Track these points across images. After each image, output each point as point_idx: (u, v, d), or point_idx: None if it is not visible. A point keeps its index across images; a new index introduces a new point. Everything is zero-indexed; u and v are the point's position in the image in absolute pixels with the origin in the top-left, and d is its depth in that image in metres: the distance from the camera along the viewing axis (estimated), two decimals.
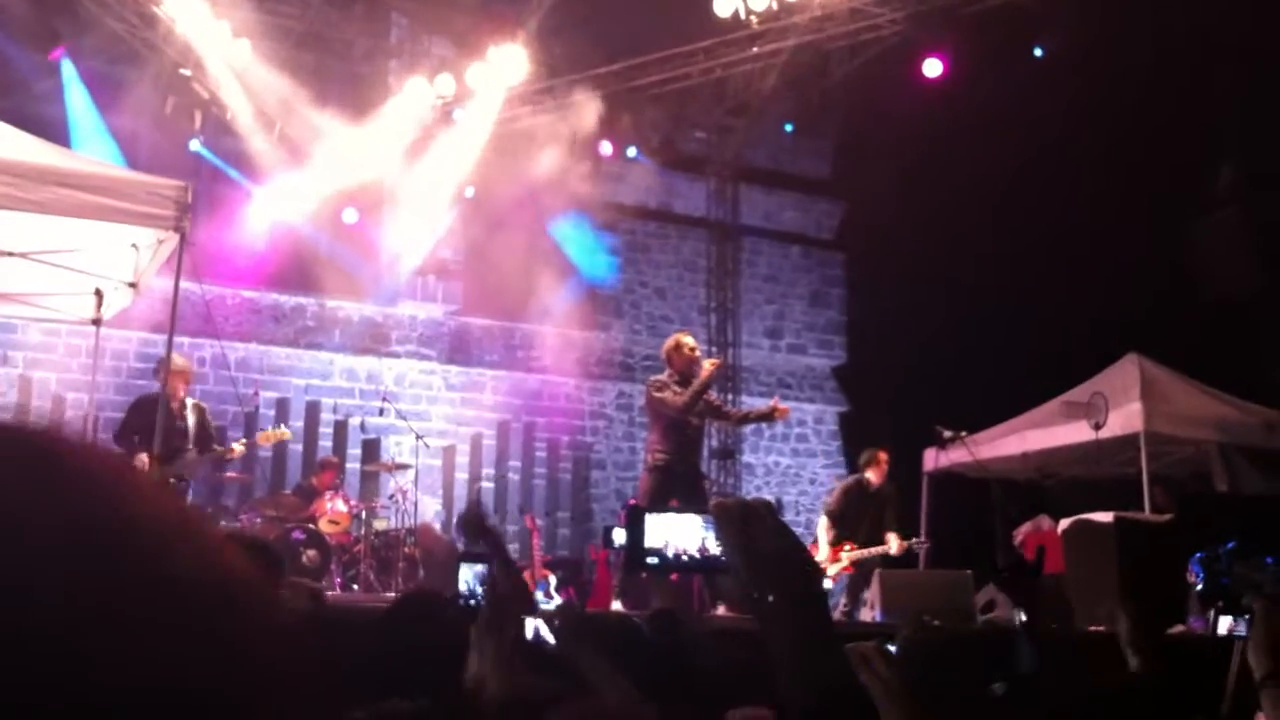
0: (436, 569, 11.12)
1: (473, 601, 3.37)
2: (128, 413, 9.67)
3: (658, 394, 9.28)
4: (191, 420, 9.73)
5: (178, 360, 9.68)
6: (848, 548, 10.28)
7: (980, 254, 14.08)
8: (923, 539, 10.68)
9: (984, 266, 14.09)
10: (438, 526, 13.63)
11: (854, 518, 10.41)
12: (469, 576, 3.33)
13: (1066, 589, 8.89)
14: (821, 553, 10.32)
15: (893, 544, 10.14)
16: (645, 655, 3.80)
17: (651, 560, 1.70)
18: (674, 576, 9.87)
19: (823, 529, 10.57)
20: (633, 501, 11.31)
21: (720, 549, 1.69)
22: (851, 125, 16.63)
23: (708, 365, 9.44)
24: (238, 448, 10.24)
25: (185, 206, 7.80)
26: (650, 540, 1.70)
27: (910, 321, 14.71)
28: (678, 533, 1.71)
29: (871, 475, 10.54)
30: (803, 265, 18.01)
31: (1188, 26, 12.69)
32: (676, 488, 8.85)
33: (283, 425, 11.77)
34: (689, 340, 9.68)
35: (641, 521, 1.70)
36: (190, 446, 9.64)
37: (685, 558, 1.71)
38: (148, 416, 8.63)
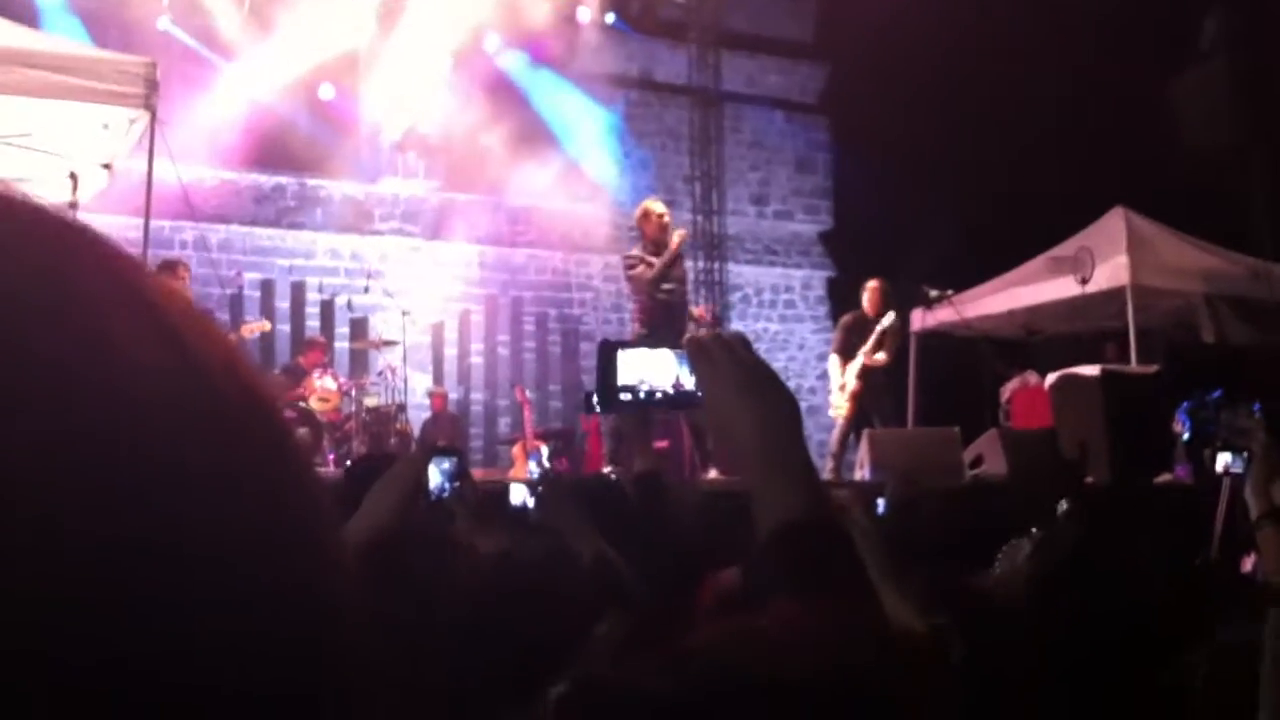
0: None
1: (442, 497, 3.35)
2: None
3: (629, 272, 9.30)
4: None
5: (184, 270, 9.74)
6: (850, 365, 10.37)
7: (964, 114, 13.95)
8: (892, 319, 10.62)
9: (968, 126, 13.98)
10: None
11: (854, 348, 10.47)
12: (437, 473, 3.29)
13: (1055, 442, 8.95)
14: (834, 384, 10.44)
15: (865, 347, 10.24)
16: (627, 517, 3.81)
17: (624, 397, 1.66)
18: (663, 443, 9.95)
19: (833, 367, 10.64)
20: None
21: (694, 384, 1.66)
22: None
23: (676, 236, 9.40)
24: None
25: (154, 84, 7.71)
26: (623, 377, 1.66)
27: (896, 184, 14.62)
28: (651, 369, 1.67)
29: (866, 304, 10.61)
30: (787, 131, 17.83)
31: None
32: None
33: (262, 318, 11.78)
34: (657, 207, 9.65)
35: (613, 357, 1.66)
36: None
37: (659, 394, 1.67)
38: None
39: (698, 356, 1.64)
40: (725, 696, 0.92)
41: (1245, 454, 4.59)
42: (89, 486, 0.45)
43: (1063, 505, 4.65)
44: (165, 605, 0.45)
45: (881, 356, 10.37)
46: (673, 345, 1.71)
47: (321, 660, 0.51)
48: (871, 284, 10.66)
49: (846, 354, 10.54)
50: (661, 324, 9.04)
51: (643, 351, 1.73)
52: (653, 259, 9.22)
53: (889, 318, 10.43)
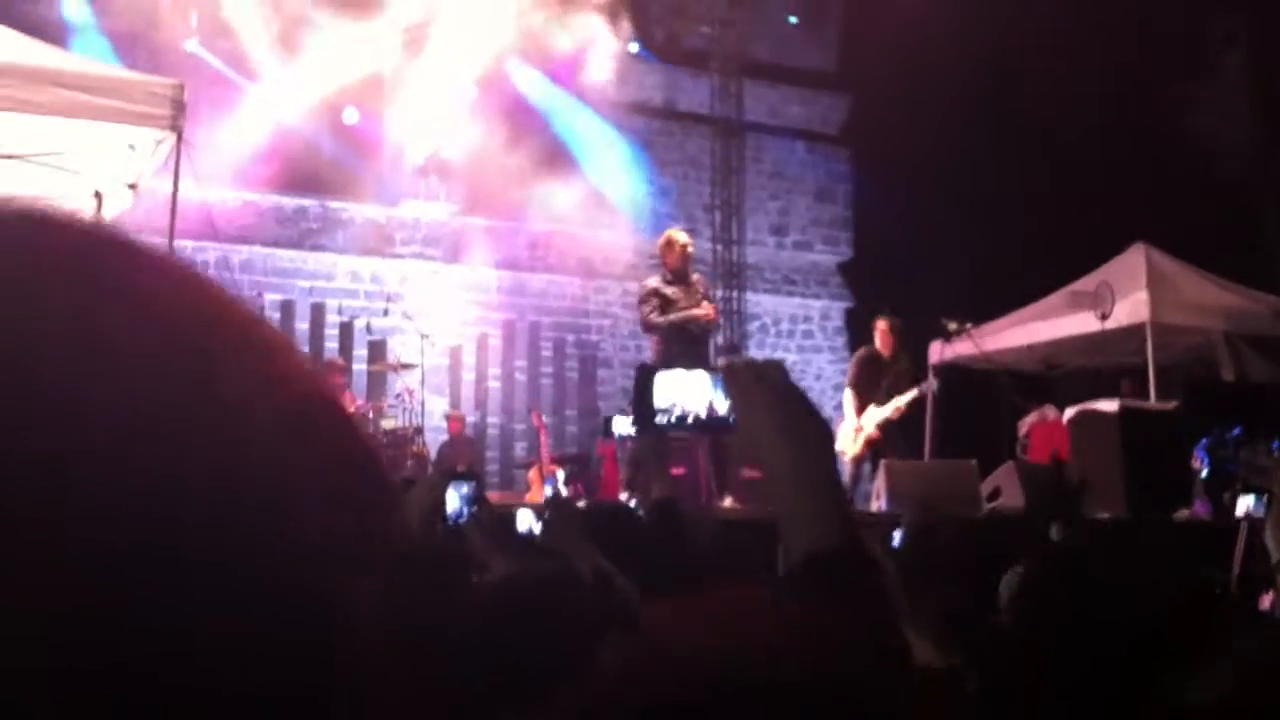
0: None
1: (459, 522, 3.35)
2: None
3: (641, 305, 9.31)
4: None
5: None
6: (870, 408, 10.36)
7: (986, 145, 13.96)
8: (931, 381, 10.69)
9: (990, 158, 13.98)
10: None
11: (869, 387, 10.45)
12: (456, 497, 3.30)
13: (1072, 477, 8.92)
14: (848, 423, 10.42)
15: (896, 401, 10.22)
16: (642, 545, 3.80)
17: (660, 419, 1.69)
18: (679, 470, 9.94)
19: (848, 401, 10.63)
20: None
21: (728, 409, 1.67)
22: (855, 16, 16.40)
23: (707, 308, 9.39)
24: None
25: (181, 105, 7.77)
26: (659, 400, 1.69)
27: (916, 215, 14.64)
28: (686, 392, 1.69)
29: (879, 344, 10.61)
30: (808, 161, 17.87)
31: None
32: None
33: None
34: (681, 236, 9.65)
35: (651, 380, 1.69)
36: None
37: (693, 417, 1.69)
38: None
39: (733, 382, 1.66)
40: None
41: (1265, 495, 4.60)
42: (93, 490, 0.46)
43: (1054, 530, 4.64)
44: (170, 609, 0.46)
45: (902, 405, 10.36)
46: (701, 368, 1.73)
47: (332, 666, 0.51)
48: (882, 324, 10.63)
49: (860, 390, 10.52)
50: (679, 354, 9.01)
51: (679, 374, 1.76)
52: (668, 290, 9.22)
53: (930, 384, 10.50)
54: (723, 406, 1.53)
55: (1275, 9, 13.00)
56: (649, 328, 9.31)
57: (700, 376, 1.38)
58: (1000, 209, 13.98)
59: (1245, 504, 4.38)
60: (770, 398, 1.60)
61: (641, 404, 1.43)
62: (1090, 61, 13.76)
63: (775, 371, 1.65)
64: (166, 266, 0.55)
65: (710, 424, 1.42)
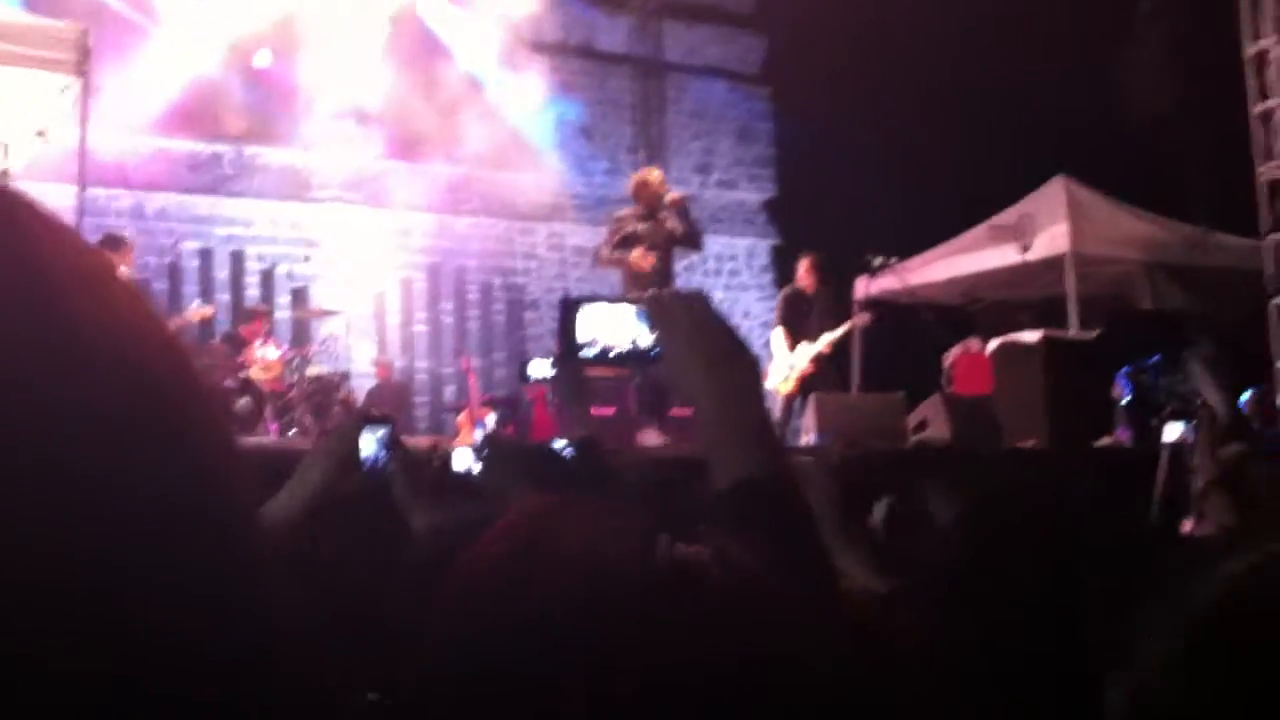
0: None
1: (377, 467, 3.31)
2: None
3: (612, 229, 9.42)
4: None
5: (126, 240, 9.61)
6: (802, 344, 10.42)
7: (906, 82, 13.97)
8: (864, 315, 10.78)
9: (911, 94, 14.00)
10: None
11: (798, 324, 10.51)
12: (372, 442, 3.24)
13: (995, 408, 9.04)
14: (779, 360, 10.46)
15: (828, 335, 10.31)
16: (569, 482, 3.80)
17: (586, 352, 1.65)
18: (608, 410, 9.93)
19: (778, 340, 10.66)
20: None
21: (653, 341, 1.65)
22: None
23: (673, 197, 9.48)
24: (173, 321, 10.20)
25: (86, 50, 7.62)
26: (582, 334, 1.66)
27: (839, 152, 14.64)
28: (610, 326, 1.66)
29: (801, 280, 10.66)
30: (729, 100, 17.81)
31: None
32: None
33: (205, 301, 11.73)
34: (657, 175, 9.77)
35: (574, 314, 1.65)
36: None
37: (616, 351, 1.66)
38: None
39: (658, 313, 1.63)
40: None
41: (1193, 422, 4.67)
42: None
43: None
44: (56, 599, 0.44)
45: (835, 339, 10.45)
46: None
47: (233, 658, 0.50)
48: (804, 261, 10.70)
49: (789, 327, 10.56)
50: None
51: (602, 307, 1.73)
52: (638, 226, 9.28)
53: (863, 317, 10.58)
54: (647, 340, 1.51)
55: None
56: (602, 259, 9.39)
57: (624, 310, 1.37)
58: (922, 145, 14.03)
59: (1173, 430, 4.44)
60: (695, 329, 1.57)
61: (564, 337, 1.41)
62: (1008, 3, 13.80)
63: (700, 302, 1.62)
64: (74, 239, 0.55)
65: (634, 357, 1.40)
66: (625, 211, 9.51)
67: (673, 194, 9.58)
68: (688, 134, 17.38)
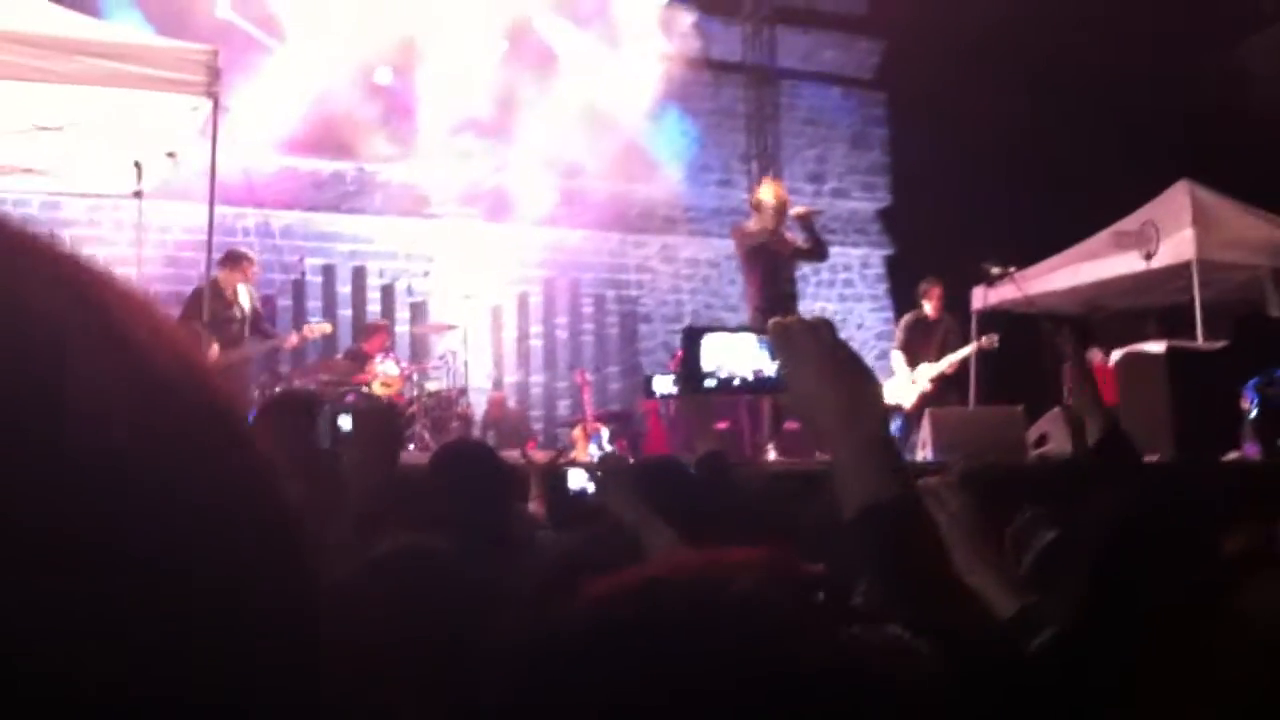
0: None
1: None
2: (187, 301, 9.63)
3: (743, 231, 9.43)
4: (246, 308, 9.88)
5: (248, 257, 9.87)
6: (923, 364, 10.41)
7: (1025, 85, 13.77)
8: (992, 336, 10.73)
9: (1029, 99, 13.80)
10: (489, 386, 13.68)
11: (919, 349, 10.48)
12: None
13: (1121, 420, 8.84)
14: (900, 378, 10.45)
15: (952, 356, 10.26)
16: (691, 499, 3.81)
17: (709, 382, 1.67)
18: (723, 424, 9.95)
19: (899, 362, 10.65)
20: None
21: (776, 369, 1.66)
22: None
23: (799, 210, 9.50)
24: (292, 338, 10.45)
25: (216, 71, 7.77)
26: (706, 363, 1.67)
27: (956, 159, 14.47)
28: (733, 354, 1.68)
29: (927, 306, 10.62)
30: (844, 107, 17.70)
31: None
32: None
33: (323, 319, 11.98)
34: (780, 187, 9.92)
35: (697, 342, 1.67)
36: (246, 334, 9.83)
37: (740, 380, 1.68)
38: (207, 303, 8.82)
39: (781, 341, 1.65)
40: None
41: None
42: (25, 488, 0.45)
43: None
44: (103, 609, 0.45)
45: (958, 360, 10.45)
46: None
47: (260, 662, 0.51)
48: (932, 288, 10.69)
49: (909, 351, 10.56)
50: (773, 305, 9.07)
51: (725, 336, 1.75)
52: (763, 240, 9.33)
53: (990, 339, 10.53)
54: (769, 368, 1.51)
55: None
56: (744, 244, 9.45)
57: (747, 338, 1.37)
58: (1039, 150, 13.81)
59: None
60: (819, 355, 1.59)
61: (687, 367, 1.42)
62: (1128, 2, 13.55)
63: (824, 328, 1.63)
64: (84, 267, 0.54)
65: (760, 385, 1.41)
66: (749, 225, 9.50)
67: (798, 208, 9.57)
68: (801, 142, 17.30)
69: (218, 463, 0.53)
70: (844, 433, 1.55)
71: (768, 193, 9.65)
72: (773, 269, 9.23)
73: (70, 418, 0.47)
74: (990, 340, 10.57)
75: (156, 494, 0.49)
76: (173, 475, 0.50)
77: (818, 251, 9.72)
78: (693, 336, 1.71)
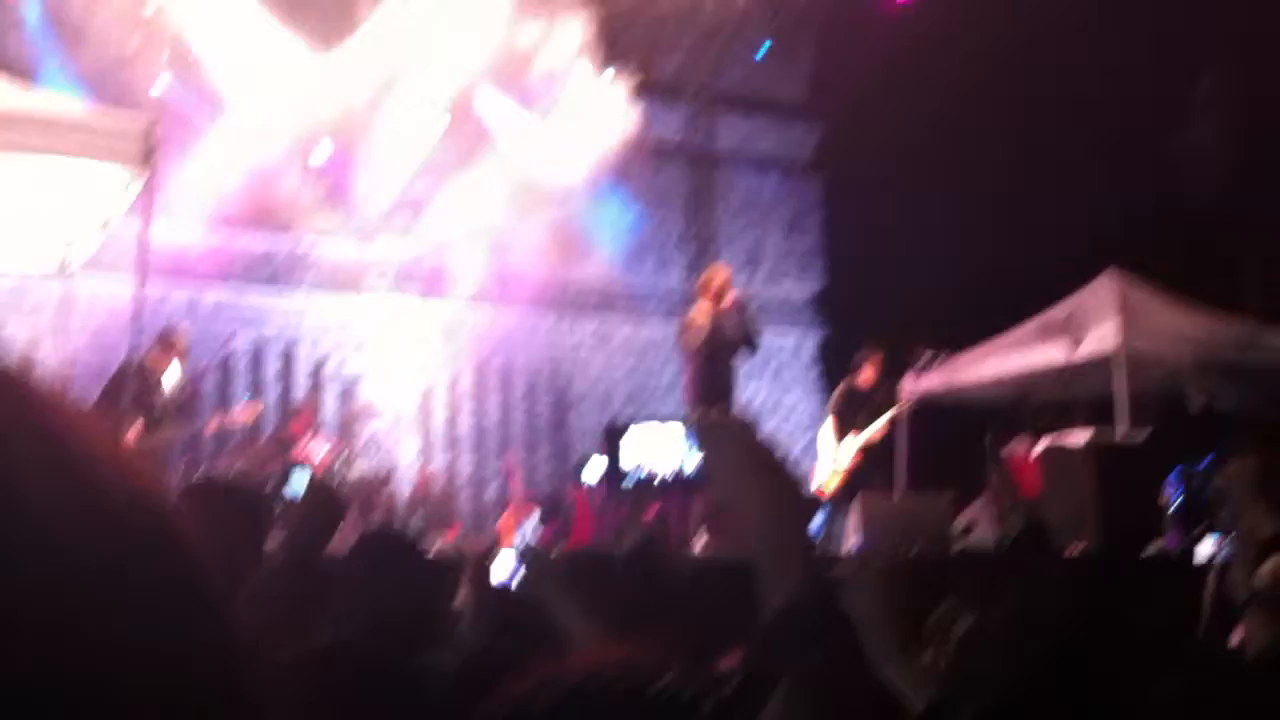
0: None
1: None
2: (110, 380, 9.56)
3: (689, 322, 9.38)
4: (173, 389, 9.80)
5: (180, 337, 9.78)
6: (851, 435, 10.42)
7: (957, 174, 13.99)
8: (905, 402, 10.78)
9: (961, 187, 14.01)
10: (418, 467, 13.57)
11: (850, 418, 10.50)
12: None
13: (1044, 511, 8.94)
14: (826, 454, 10.44)
15: (871, 427, 10.30)
16: (620, 592, 3.79)
17: (627, 483, 1.68)
18: (654, 508, 9.92)
19: (828, 428, 10.65)
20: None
21: (699, 466, 1.68)
22: (827, 45, 16.45)
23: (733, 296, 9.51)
24: (218, 420, 10.36)
25: (153, 142, 7.71)
26: (626, 462, 1.68)
27: (889, 245, 14.64)
28: (657, 451, 1.69)
29: (863, 375, 10.66)
30: (780, 191, 17.86)
31: None
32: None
33: (254, 397, 11.87)
34: (724, 273, 9.81)
35: (617, 442, 1.69)
36: (171, 416, 9.72)
37: (660, 479, 1.69)
38: (132, 383, 8.72)
39: (704, 439, 1.67)
40: None
41: (1230, 535, 4.61)
42: None
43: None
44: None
45: (878, 430, 10.46)
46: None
47: None
48: (871, 355, 10.73)
49: (840, 417, 10.56)
50: (713, 399, 9.08)
51: (647, 430, 1.76)
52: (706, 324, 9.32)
53: (904, 404, 10.57)
54: (691, 464, 1.52)
55: (1251, 52, 13.08)
56: (692, 341, 9.30)
57: (671, 433, 1.37)
58: (972, 236, 14.00)
59: (1207, 545, 4.38)
60: (740, 455, 1.61)
61: (610, 465, 1.42)
62: (1061, 89, 13.85)
63: (746, 427, 1.66)
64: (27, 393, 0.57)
65: (679, 484, 1.41)
66: (696, 313, 9.50)
67: (730, 295, 9.57)
68: (738, 226, 17.42)
69: (146, 558, 0.54)
70: (763, 533, 1.58)
71: (719, 278, 9.68)
72: (716, 360, 9.19)
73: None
74: (902, 408, 10.62)
75: (92, 587, 0.50)
76: (105, 571, 0.51)
77: (748, 342, 9.71)
78: (613, 436, 1.73)
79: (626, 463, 1.95)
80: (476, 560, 4.59)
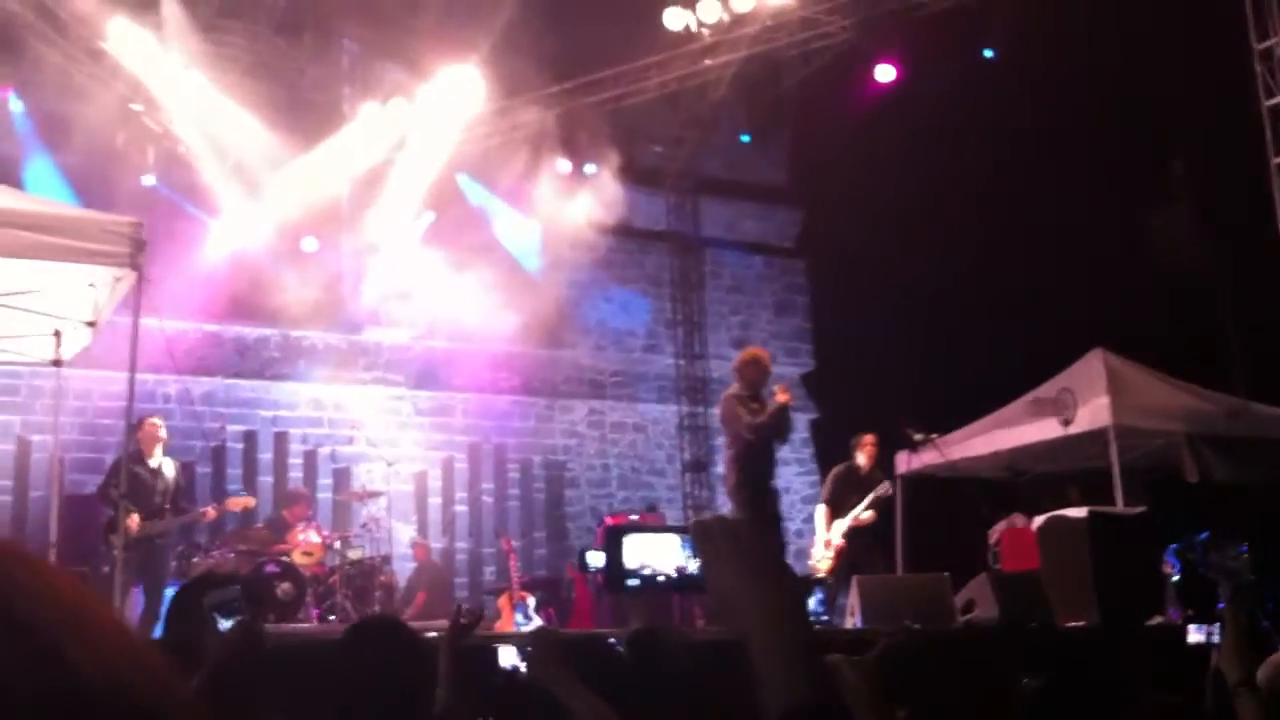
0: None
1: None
2: (108, 474, 9.84)
3: (737, 409, 9.33)
4: (169, 479, 9.93)
5: (152, 425, 9.92)
6: (837, 521, 10.37)
7: (940, 255, 14.11)
8: (886, 484, 10.71)
9: (945, 267, 14.13)
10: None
11: (846, 502, 10.46)
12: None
13: (1044, 585, 8.89)
14: (819, 538, 10.41)
15: (856, 509, 10.26)
16: (622, 678, 3.76)
17: (631, 581, 1.67)
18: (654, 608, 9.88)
19: (820, 516, 10.62)
20: (609, 520, 11.34)
21: (699, 567, 1.67)
22: (806, 132, 16.66)
23: (781, 395, 9.41)
24: (210, 511, 10.46)
25: (140, 243, 7.76)
26: (628, 561, 1.68)
27: (876, 325, 14.74)
28: (656, 552, 1.68)
29: (860, 459, 10.64)
30: (766, 274, 18.01)
31: (1123, 28, 12.88)
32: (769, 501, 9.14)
33: (246, 492, 12.00)
34: (766, 355, 9.82)
35: (619, 542, 1.68)
36: (167, 506, 9.89)
37: (662, 577, 1.68)
38: (130, 478, 8.85)
39: (703, 541, 1.67)
40: None
41: (1216, 623, 4.58)
42: None
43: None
44: None
45: (869, 515, 10.41)
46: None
47: None
48: (868, 439, 10.72)
49: (835, 506, 10.53)
50: (763, 475, 9.09)
51: (647, 536, 1.76)
52: (754, 405, 9.32)
53: (884, 486, 10.52)
54: (692, 565, 1.52)
55: (1214, 143, 13.26)
56: (742, 429, 9.29)
57: (669, 539, 1.37)
58: (958, 316, 14.10)
59: (1197, 633, 4.36)
60: (738, 556, 1.61)
61: (612, 567, 1.41)
62: (1040, 171, 14.00)
63: (745, 531, 1.66)
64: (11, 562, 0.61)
65: (682, 583, 1.40)
66: (735, 389, 9.56)
67: (782, 394, 9.49)
68: (726, 308, 17.53)
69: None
70: (762, 635, 1.57)
71: (756, 357, 9.77)
72: (766, 447, 9.29)
73: None
74: (884, 488, 10.59)
75: None
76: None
77: (782, 434, 9.70)
78: (614, 537, 1.72)
79: (630, 562, 1.94)
80: (455, 641, 4.53)
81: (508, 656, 4.33)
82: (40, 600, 0.59)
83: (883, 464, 11.09)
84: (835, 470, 11.02)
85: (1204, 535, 9.25)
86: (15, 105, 12.89)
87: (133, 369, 8.15)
